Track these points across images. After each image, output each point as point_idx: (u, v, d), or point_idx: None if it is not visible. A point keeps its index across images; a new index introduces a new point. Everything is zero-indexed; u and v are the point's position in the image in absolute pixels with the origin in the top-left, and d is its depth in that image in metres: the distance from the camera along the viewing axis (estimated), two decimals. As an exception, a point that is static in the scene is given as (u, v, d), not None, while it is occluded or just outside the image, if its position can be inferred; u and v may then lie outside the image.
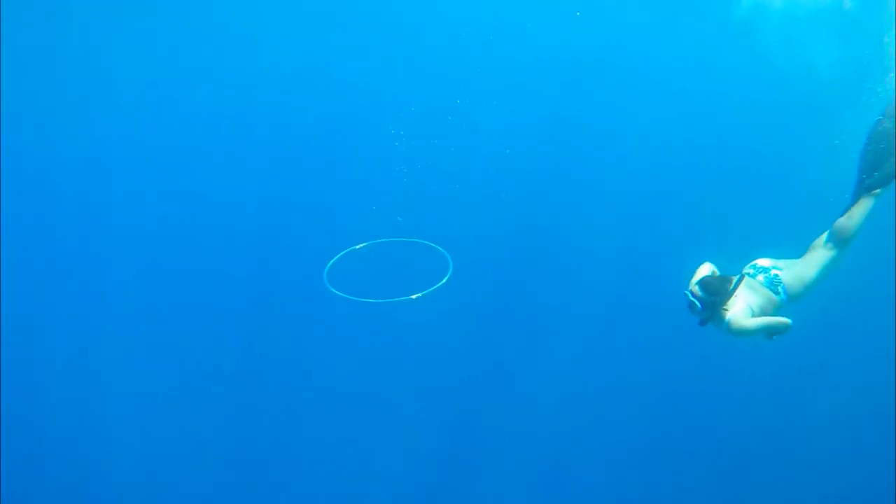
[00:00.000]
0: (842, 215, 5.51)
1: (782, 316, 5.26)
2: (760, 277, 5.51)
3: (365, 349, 9.99)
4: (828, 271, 5.51)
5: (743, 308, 5.24)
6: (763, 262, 5.66)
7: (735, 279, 5.36)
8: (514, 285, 10.38)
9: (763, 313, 5.34)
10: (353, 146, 10.55)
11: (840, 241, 5.49)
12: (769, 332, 5.21)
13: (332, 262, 6.55)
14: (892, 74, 6.84)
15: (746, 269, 5.63)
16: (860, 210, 5.43)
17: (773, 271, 5.54)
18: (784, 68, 9.44)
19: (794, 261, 5.65)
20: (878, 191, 5.38)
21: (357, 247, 6.72)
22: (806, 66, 9.17)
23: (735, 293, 5.29)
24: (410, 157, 9.96)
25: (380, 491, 9.91)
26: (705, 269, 5.63)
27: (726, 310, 5.24)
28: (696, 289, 5.30)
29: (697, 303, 5.24)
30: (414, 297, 6.05)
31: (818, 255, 5.54)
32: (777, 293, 5.44)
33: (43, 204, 10.13)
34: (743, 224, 8.53)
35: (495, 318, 10.34)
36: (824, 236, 5.62)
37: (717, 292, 5.26)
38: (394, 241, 7.49)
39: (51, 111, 10.12)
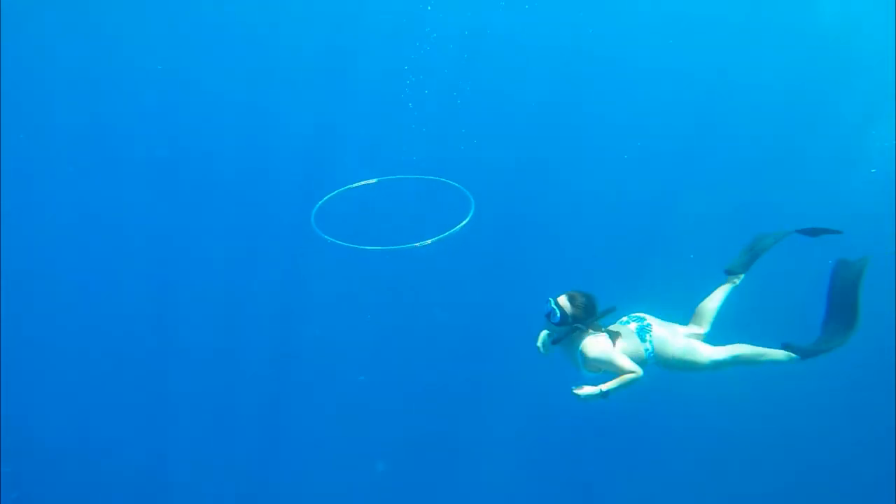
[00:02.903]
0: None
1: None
2: (633, 325, 4.98)
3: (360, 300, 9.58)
4: (690, 370, 4.93)
5: (604, 340, 4.75)
6: (642, 314, 5.09)
7: (611, 326, 4.90)
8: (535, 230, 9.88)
9: None
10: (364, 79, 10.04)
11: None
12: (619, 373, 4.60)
13: (321, 201, 5.69)
14: None
15: (622, 318, 5.10)
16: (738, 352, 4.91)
17: (648, 320, 5.01)
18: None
19: (675, 329, 5.06)
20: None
21: (356, 185, 5.88)
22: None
23: (602, 328, 4.82)
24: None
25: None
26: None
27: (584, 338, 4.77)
28: (563, 299, 4.77)
29: (558, 312, 4.72)
30: (426, 243, 5.31)
31: (696, 348, 4.94)
32: (644, 341, 4.90)
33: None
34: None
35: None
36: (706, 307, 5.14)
37: (585, 311, 4.73)
38: (406, 177, 6.65)
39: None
